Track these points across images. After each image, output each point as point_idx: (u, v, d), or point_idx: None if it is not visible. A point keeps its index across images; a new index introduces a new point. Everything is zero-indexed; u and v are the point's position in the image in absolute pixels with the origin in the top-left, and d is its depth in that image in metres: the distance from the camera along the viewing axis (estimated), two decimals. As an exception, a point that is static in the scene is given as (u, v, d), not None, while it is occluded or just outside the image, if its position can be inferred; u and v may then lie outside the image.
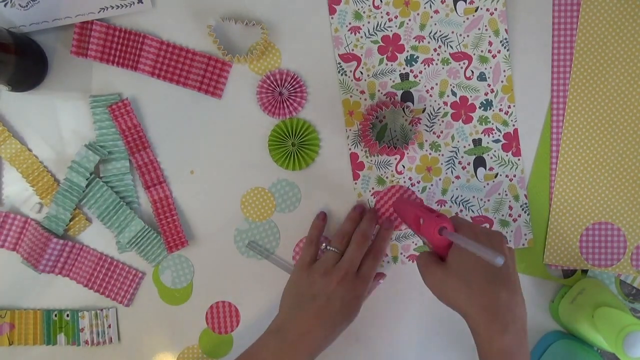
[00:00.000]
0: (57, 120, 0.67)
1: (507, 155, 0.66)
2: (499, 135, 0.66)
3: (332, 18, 0.65)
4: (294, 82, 0.66)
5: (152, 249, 0.68)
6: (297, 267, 0.62)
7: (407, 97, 0.66)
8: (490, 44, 0.65)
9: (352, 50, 0.66)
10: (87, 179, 0.66)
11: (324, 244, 0.64)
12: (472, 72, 0.66)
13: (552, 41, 0.65)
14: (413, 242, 0.67)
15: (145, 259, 0.68)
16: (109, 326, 0.68)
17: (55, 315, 0.68)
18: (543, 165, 0.66)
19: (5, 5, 0.63)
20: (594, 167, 0.66)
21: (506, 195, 0.67)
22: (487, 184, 0.67)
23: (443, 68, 0.66)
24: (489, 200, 0.67)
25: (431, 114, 0.66)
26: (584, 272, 0.67)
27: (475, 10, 0.65)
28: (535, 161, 0.66)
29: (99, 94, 0.67)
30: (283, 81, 0.66)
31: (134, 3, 0.64)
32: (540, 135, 0.66)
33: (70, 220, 0.67)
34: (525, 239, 0.67)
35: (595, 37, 0.65)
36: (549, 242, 0.67)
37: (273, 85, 0.66)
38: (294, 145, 0.66)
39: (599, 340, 0.61)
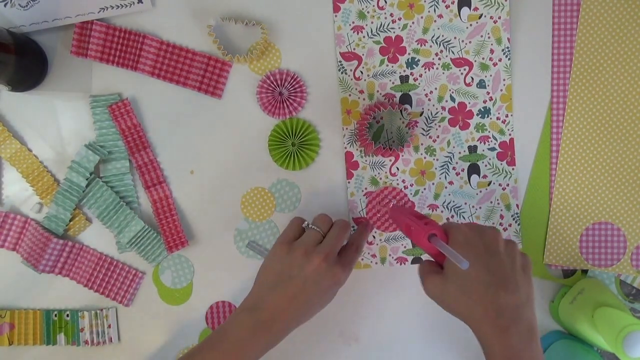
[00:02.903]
0: (57, 120, 0.67)
1: (501, 164, 0.66)
2: (495, 144, 0.66)
3: (335, 16, 0.65)
4: (294, 82, 0.66)
5: (152, 249, 0.68)
6: (278, 242, 0.59)
7: (406, 99, 0.66)
8: (492, 51, 0.65)
9: (354, 49, 0.66)
10: (87, 179, 0.66)
11: (306, 222, 0.61)
12: (472, 78, 0.66)
13: (552, 41, 0.65)
14: (402, 245, 0.67)
15: (145, 259, 0.68)
16: (109, 326, 0.68)
17: (55, 315, 0.68)
18: (543, 165, 0.66)
19: (5, 5, 0.63)
20: (594, 167, 0.66)
21: (498, 204, 0.67)
22: (480, 191, 0.67)
23: (443, 73, 0.66)
24: (480, 208, 0.67)
25: (428, 118, 0.66)
26: (584, 272, 0.67)
27: (479, 18, 0.65)
28: (535, 161, 0.66)
29: (99, 94, 0.67)
30: (283, 81, 0.66)
31: (134, 3, 0.64)
32: (540, 136, 0.66)
33: (70, 220, 0.67)
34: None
35: (595, 37, 0.65)
36: (549, 242, 0.67)
37: (273, 85, 0.66)
38: (294, 145, 0.66)
39: (599, 340, 0.61)
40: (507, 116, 0.66)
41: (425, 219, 0.55)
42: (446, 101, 0.66)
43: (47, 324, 0.68)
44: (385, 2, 0.65)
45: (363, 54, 0.65)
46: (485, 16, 0.65)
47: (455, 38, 0.65)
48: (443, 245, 0.50)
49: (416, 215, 0.58)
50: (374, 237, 0.67)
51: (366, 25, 0.65)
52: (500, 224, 0.67)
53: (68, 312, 0.68)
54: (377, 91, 0.66)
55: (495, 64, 0.65)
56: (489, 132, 0.66)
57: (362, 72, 0.66)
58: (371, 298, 0.68)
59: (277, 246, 0.59)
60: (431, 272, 0.54)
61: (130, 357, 0.69)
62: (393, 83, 0.66)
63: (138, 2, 0.64)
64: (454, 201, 0.67)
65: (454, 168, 0.67)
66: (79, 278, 0.68)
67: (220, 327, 0.56)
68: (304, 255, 0.56)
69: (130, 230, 0.67)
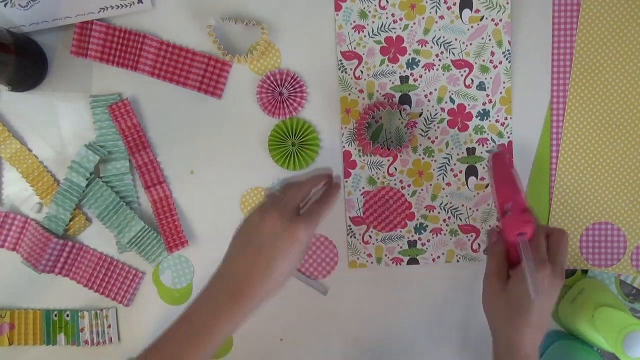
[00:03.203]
0: (57, 120, 0.67)
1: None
2: (493, 146, 0.66)
3: (337, 14, 0.65)
4: (294, 82, 0.66)
5: (152, 249, 0.68)
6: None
7: (405, 100, 0.66)
8: (492, 54, 0.65)
9: (355, 48, 0.66)
10: (87, 179, 0.66)
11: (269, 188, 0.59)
12: (472, 80, 0.66)
13: (552, 41, 0.65)
14: (398, 245, 0.67)
15: (145, 259, 0.68)
16: (109, 326, 0.68)
17: (55, 315, 0.68)
18: (543, 165, 0.66)
19: (5, 5, 0.63)
20: (594, 167, 0.66)
21: (495, 206, 0.67)
22: (477, 193, 0.67)
23: (443, 74, 0.66)
24: (477, 210, 0.67)
25: (427, 118, 0.66)
26: (584, 272, 0.67)
27: (481, 20, 0.65)
28: (535, 162, 0.66)
29: (99, 94, 0.67)
30: (283, 81, 0.66)
31: (133, 3, 0.64)
32: (540, 136, 0.66)
33: (70, 220, 0.67)
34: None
35: (595, 37, 0.65)
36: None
37: (273, 85, 0.66)
38: (294, 145, 0.66)
39: (599, 340, 0.61)
40: (506, 119, 0.66)
41: (526, 208, 0.53)
42: (445, 102, 0.66)
43: (47, 324, 0.68)
44: (387, 2, 0.65)
45: (364, 54, 0.65)
46: (486, 18, 0.65)
47: (456, 39, 0.65)
48: (528, 257, 0.51)
49: (516, 187, 0.55)
50: (370, 236, 0.67)
51: (367, 24, 0.65)
52: (498, 227, 0.67)
53: (68, 312, 0.68)
54: (377, 91, 0.66)
55: (495, 67, 0.65)
56: (488, 134, 0.66)
57: (362, 72, 0.66)
58: (372, 298, 0.68)
59: (248, 215, 0.57)
60: (496, 274, 0.55)
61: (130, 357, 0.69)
62: (393, 83, 0.66)
63: (138, 2, 0.64)
64: (451, 202, 0.67)
65: (451, 169, 0.67)
66: (79, 278, 0.68)
67: (196, 297, 0.56)
68: (258, 216, 0.54)
69: (130, 230, 0.67)
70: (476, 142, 0.66)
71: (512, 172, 0.57)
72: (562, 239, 0.55)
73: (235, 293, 0.53)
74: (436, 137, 0.66)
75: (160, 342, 0.55)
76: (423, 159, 0.67)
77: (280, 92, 0.66)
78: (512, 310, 0.53)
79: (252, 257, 0.53)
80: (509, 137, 0.66)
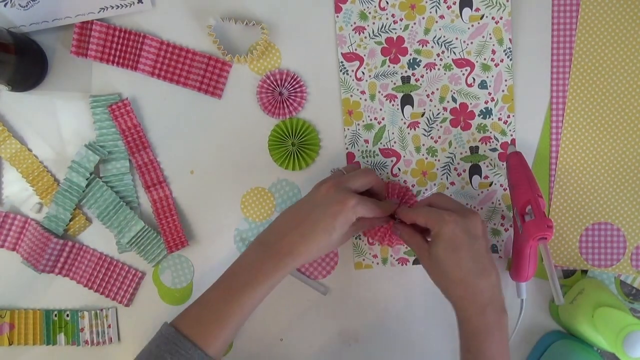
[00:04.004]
0: (57, 120, 0.67)
1: (503, 165, 0.66)
2: (497, 144, 0.66)
3: (337, 16, 0.65)
4: (294, 82, 0.66)
5: (152, 249, 0.68)
6: None
7: (408, 100, 0.66)
8: (493, 52, 0.65)
9: (356, 50, 0.66)
10: (87, 179, 0.66)
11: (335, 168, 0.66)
12: (474, 79, 0.66)
13: (552, 41, 0.65)
14: (403, 246, 0.67)
15: (145, 259, 0.68)
16: (109, 326, 0.68)
17: (55, 315, 0.68)
18: (543, 165, 0.66)
19: (5, 5, 0.63)
20: (593, 167, 0.66)
21: (499, 204, 0.67)
22: (482, 192, 0.67)
23: (445, 73, 0.66)
24: (482, 209, 0.67)
25: (430, 118, 0.66)
26: (584, 272, 0.67)
27: (481, 18, 0.65)
28: (535, 162, 0.66)
29: (99, 94, 0.67)
30: (283, 81, 0.66)
31: (134, 3, 0.64)
32: (540, 136, 0.66)
33: (70, 220, 0.67)
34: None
35: (594, 37, 0.65)
36: (549, 242, 0.67)
37: (273, 85, 0.66)
38: (294, 145, 0.66)
39: (599, 340, 0.61)
40: (508, 117, 0.66)
41: (542, 207, 0.56)
42: (448, 102, 0.66)
43: (47, 324, 0.68)
44: (387, 2, 0.65)
45: (364, 55, 0.65)
46: (486, 17, 0.65)
47: (456, 39, 0.65)
48: (550, 263, 0.55)
49: (536, 189, 0.58)
50: None
51: (368, 25, 0.65)
52: (502, 225, 0.67)
53: (68, 312, 0.68)
54: (379, 92, 0.66)
55: (497, 65, 0.65)
56: (491, 132, 0.66)
57: (363, 73, 0.66)
58: (372, 298, 0.68)
59: None
60: (422, 250, 0.57)
61: (130, 357, 0.69)
62: (395, 84, 0.66)
63: (138, 2, 0.64)
64: None
65: (455, 169, 0.67)
66: (79, 278, 0.68)
67: (234, 263, 0.58)
68: (317, 185, 0.59)
69: (130, 230, 0.67)
70: (479, 141, 0.66)
71: (532, 173, 0.59)
72: (441, 197, 0.59)
73: (270, 249, 0.55)
74: (439, 137, 0.66)
75: (203, 299, 0.57)
76: (427, 159, 0.67)
77: (280, 92, 0.66)
78: (448, 269, 0.54)
79: (299, 218, 0.56)
80: (512, 135, 0.66)
